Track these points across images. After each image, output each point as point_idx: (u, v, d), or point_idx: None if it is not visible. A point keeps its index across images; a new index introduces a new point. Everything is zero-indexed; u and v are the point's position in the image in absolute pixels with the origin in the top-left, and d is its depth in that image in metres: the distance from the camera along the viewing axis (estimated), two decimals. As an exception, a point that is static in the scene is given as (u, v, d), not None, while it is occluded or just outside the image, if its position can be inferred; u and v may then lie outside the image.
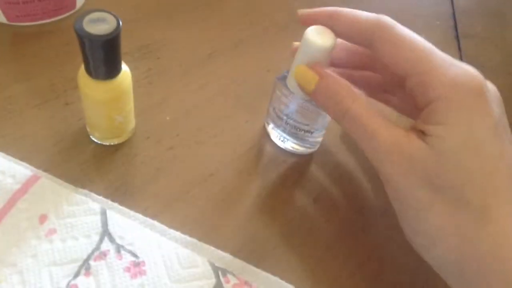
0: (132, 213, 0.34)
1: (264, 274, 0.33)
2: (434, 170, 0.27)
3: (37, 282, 0.31)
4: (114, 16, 0.30)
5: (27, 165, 0.36)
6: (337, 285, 0.34)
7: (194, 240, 0.34)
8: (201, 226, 0.35)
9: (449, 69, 0.28)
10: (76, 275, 0.31)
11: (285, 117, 0.38)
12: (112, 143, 0.38)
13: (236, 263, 0.33)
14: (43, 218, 0.33)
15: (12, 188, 0.34)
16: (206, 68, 0.46)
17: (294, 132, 0.38)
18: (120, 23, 0.30)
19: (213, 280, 0.32)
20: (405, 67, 0.29)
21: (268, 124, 0.41)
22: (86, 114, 0.36)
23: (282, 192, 0.38)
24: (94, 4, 0.48)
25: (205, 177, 0.38)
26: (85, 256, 0.32)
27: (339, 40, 0.34)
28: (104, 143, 0.38)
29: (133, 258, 0.32)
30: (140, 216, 0.34)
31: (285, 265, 0.34)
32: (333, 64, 0.37)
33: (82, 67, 0.33)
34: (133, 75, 0.35)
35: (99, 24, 0.30)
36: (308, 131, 0.38)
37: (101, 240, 0.33)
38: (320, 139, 0.40)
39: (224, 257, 0.33)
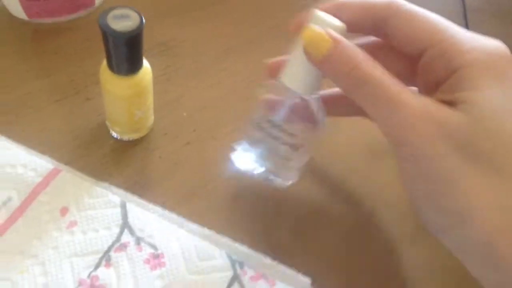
0: (151, 206, 0.35)
1: (280, 267, 0.33)
2: (470, 138, 0.25)
3: (59, 273, 0.32)
4: (137, 12, 0.31)
5: (49, 159, 0.36)
6: (353, 278, 0.34)
7: (212, 233, 0.34)
8: (218, 219, 0.35)
9: (472, 37, 0.27)
10: (97, 266, 0.32)
11: (269, 128, 0.32)
12: (131, 138, 0.39)
13: (253, 256, 0.34)
14: (64, 211, 0.34)
15: (34, 181, 0.35)
16: (222, 64, 0.46)
17: (275, 150, 0.33)
18: (143, 20, 0.31)
19: (230, 272, 0.33)
20: (423, 37, 0.27)
21: (237, 147, 0.35)
22: (107, 109, 0.37)
23: (298, 186, 0.38)
24: (113, 1, 0.49)
25: (222, 171, 0.38)
26: (105, 248, 0.33)
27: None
28: (123, 138, 0.38)
29: (152, 250, 0.33)
30: (159, 209, 0.35)
31: (301, 259, 0.34)
32: None
33: (104, 62, 0.34)
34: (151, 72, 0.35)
35: (123, 21, 0.31)
36: (293, 147, 0.32)
37: (121, 232, 0.33)
38: (299, 166, 0.34)
39: (241, 250, 0.34)
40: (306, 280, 0.33)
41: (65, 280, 0.31)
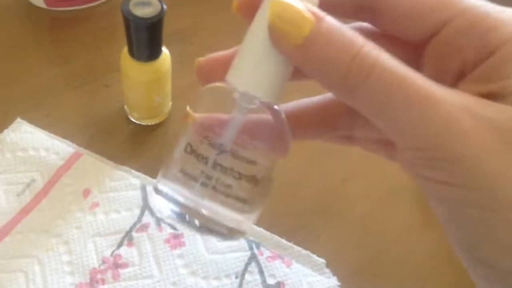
0: (170, 188, 0.36)
1: (296, 248, 0.35)
2: None
3: (83, 251, 0.33)
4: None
5: (70, 143, 0.38)
6: (367, 260, 0.35)
7: (230, 215, 0.35)
8: (235, 202, 0.36)
9: (501, 9, 0.19)
10: (120, 245, 0.33)
11: (213, 155, 0.20)
12: (149, 123, 0.40)
13: (269, 237, 0.35)
14: (86, 192, 0.35)
15: (57, 164, 0.36)
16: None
17: (223, 189, 0.21)
18: (164, 6, 0.32)
19: (248, 253, 0.34)
20: (435, 9, 0.19)
21: (162, 187, 0.23)
22: (126, 95, 0.38)
23: (311, 171, 0.39)
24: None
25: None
26: (127, 228, 0.34)
27: None
28: (141, 123, 0.39)
29: (172, 230, 0.34)
30: (178, 191, 0.36)
31: (315, 240, 0.35)
32: None
33: (125, 49, 0.35)
34: (171, 58, 0.36)
35: (144, 7, 0.32)
36: (252, 180, 0.21)
37: (142, 213, 0.35)
38: (258, 209, 0.23)
39: (258, 232, 0.35)
40: (321, 261, 0.34)
41: (89, 258, 0.32)
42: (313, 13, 0.18)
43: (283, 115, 0.21)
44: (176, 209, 0.22)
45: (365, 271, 0.35)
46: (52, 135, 0.38)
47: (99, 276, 0.32)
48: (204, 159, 0.21)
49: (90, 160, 0.37)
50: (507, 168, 0.17)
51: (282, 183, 0.38)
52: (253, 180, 0.21)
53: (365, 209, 0.38)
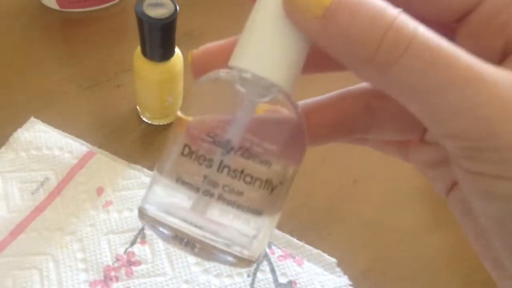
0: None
1: (307, 247, 0.35)
2: None
3: (97, 248, 0.33)
4: (172, 0, 0.32)
5: (83, 142, 0.38)
6: (377, 259, 0.35)
7: (242, 214, 0.36)
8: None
9: None
10: (133, 243, 0.33)
11: (218, 156, 0.16)
12: (161, 123, 0.40)
13: (280, 236, 0.35)
14: (100, 191, 0.35)
15: (70, 163, 0.37)
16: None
17: (232, 192, 0.17)
18: (177, 7, 0.32)
19: (259, 251, 0.34)
20: None
21: (148, 207, 0.18)
22: (139, 95, 0.38)
23: (322, 170, 0.39)
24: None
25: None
26: (140, 226, 0.34)
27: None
28: (153, 123, 0.40)
29: (184, 229, 0.34)
30: (190, 190, 0.36)
31: (326, 240, 0.36)
32: None
33: (138, 49, 0.35)
34: (184, 58, 0.37)
35: (158, 8, 0.32)
36: (267, 185, 0.17)
37: (154, 212, 0.35)
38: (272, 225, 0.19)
39: (269, 230, 0.35)
40: (332, 260, 0.34)
41: (103, 256, 0.33)
42: None
43: (300, 110, 0.18)
44: (168, 232, 0.17)
45: (376, 270, 0.35)
46: (65, 134, 0.38)
47: (113, 273, 0.32)
48: (207, 161, 0.16)
49: (104, 159, 0.37)
50: None
51: (293, 183, 0.38)
52: (269, 185, 0.17)
53: (376, 209, 0.38)
